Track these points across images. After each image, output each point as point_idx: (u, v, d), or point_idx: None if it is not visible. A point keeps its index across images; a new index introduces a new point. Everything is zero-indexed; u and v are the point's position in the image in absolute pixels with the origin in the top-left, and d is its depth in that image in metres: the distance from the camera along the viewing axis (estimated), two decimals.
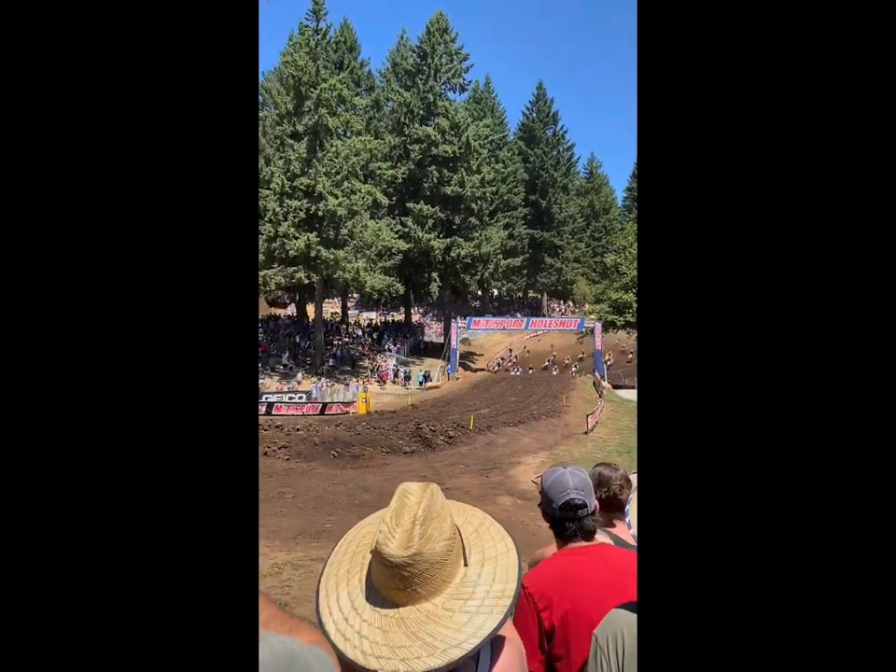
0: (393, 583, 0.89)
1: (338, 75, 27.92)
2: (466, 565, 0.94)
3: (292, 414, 20.26)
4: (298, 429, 15.94)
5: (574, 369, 29.29)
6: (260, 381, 24.79)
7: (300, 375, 26.04)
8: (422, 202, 30.95)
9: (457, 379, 27.76)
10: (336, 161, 25.98)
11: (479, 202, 32.02)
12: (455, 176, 31.09)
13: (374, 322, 37.56)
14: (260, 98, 33.01)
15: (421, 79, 31.46)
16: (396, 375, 27.88)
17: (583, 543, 1.50)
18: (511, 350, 32.64)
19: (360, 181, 27.21)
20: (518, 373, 29.14)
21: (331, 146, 26.15)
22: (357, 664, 0.85)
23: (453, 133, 30.96)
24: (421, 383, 27.11)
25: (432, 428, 16.69)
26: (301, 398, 22.76)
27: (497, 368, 30.39)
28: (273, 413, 20.39)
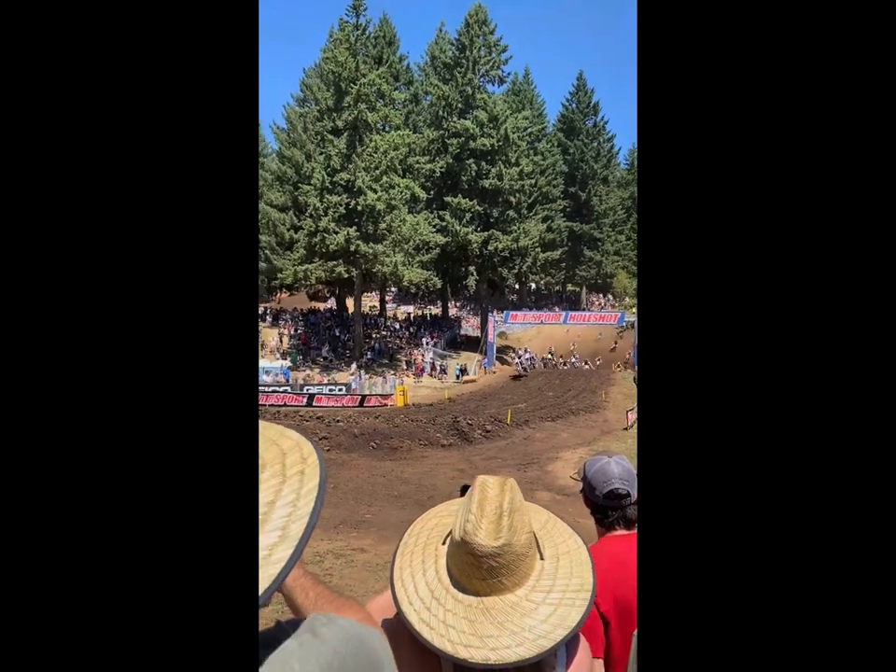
0: (479, 574, 0.90)
1: (377, 70, 28.09)
2: (542, 558, 0.96)
3: (332, 406, 20.62)
4: (338, 421, 16.24)
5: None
6: (306, 373, 25.27)
7: (353, 366, 26.43)
8: (460, 195, 30.89)
9: (494, 373, 27.69)
10: (375, 155, 26.19)
11: (517, 194, 31.76)
12: (493, 169, 30.90)
13: (412, 315, 37.80)
14: (301, 94, 33.44)
15: (459, 72, 31.32)
16: (433, 369, 28.02)
17: (624, 532, 1.50)
18: (525, 350, 32.14)
19: (399, 175, 27.36)
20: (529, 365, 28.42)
21: (370, 140, 26.36)
22: (445, 652, 0.86)
23: (491, 125, 30.75)
24: (458, 376, 27.16)
25: (469, 422, 16.73)
26: (340, 389, 23.09)
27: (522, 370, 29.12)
28: (314, 404, 20.79)
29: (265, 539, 0.57)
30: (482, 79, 32.11)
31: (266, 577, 0.55)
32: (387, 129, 28.30)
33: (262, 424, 0.74)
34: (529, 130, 35.64)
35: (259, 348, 27.70)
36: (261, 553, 0.56)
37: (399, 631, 0.93)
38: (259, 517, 0.59)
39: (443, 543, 0.99)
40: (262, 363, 25.15)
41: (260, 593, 0.54)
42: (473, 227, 30.91)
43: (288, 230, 28.58)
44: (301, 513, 0.60)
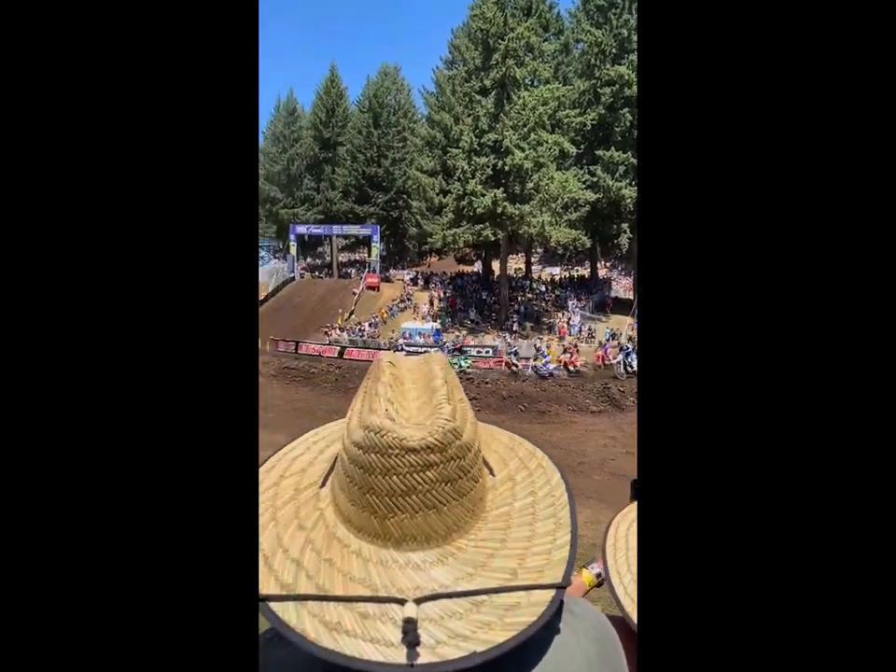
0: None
1: (526, 21, 27.09)
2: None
3: (480, 368, 21.09)
4: (487, 382, 16.58)
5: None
6: (454, 334, 26.11)
7: (516, 325, 26.76)
8: (612, 148, 29.09)
9: None
10: (523, 113, 25.53)
11: None
12: None
13: (558, 277, 36.96)
14: (450, 56, 33.50)
15: (614, 14, 29.07)
16: (580, 332, 27.29)
17: None
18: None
19: (547, 131, 26.44)
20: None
21: (518, 98, 25.72)
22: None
23: None
24: (607, 341, 26.16)
25: (621, 389, 16.11)
26: (487, 352, 23.50)
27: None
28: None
29: (542, 525, 0.62)
30: None
31: (559, 559, 0.59)
32: (536, 84, 27.35)
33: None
34: None
35: (412, 311, 29.06)
36: (546, 539, 0.61)
37: None
38: (530, 508, 0.63)
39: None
40: (415, 325, 26.41)
41: (562, 574, 0.57)
42: (627, 181, 29.02)
43: (437, 194, 29.22)
44: (560, 503, 0.65)
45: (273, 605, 0.50)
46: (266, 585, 0.51)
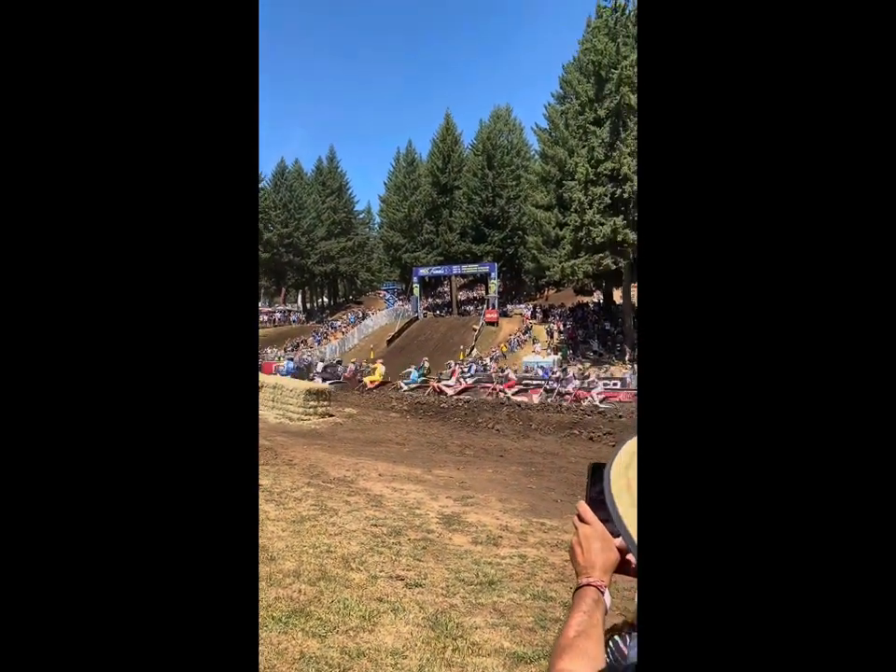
0: None
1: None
2: None
3: (611, 401, 20.25)
4: (620, 416, 15.84)
5: None
6: (576, 367, 25.46)
7: None
8: None
9: None
10: None
11: None
12: None
13: None
14: (561, 91, 33.77)
15: None
16: None
17: None
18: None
19: None
20: None
21: (635, 124, 25.14)
22: None
23: None
24: None
25: None
26: (615, 384, 22.55)
27: None
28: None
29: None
30: None
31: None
32: None
33: None
34: None
35: (531, 343, 28.83)
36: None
37: None
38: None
39: None
40: (536, 358, 26.12)
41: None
42: None
43: (554, 227, 29.09)
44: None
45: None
46: None
